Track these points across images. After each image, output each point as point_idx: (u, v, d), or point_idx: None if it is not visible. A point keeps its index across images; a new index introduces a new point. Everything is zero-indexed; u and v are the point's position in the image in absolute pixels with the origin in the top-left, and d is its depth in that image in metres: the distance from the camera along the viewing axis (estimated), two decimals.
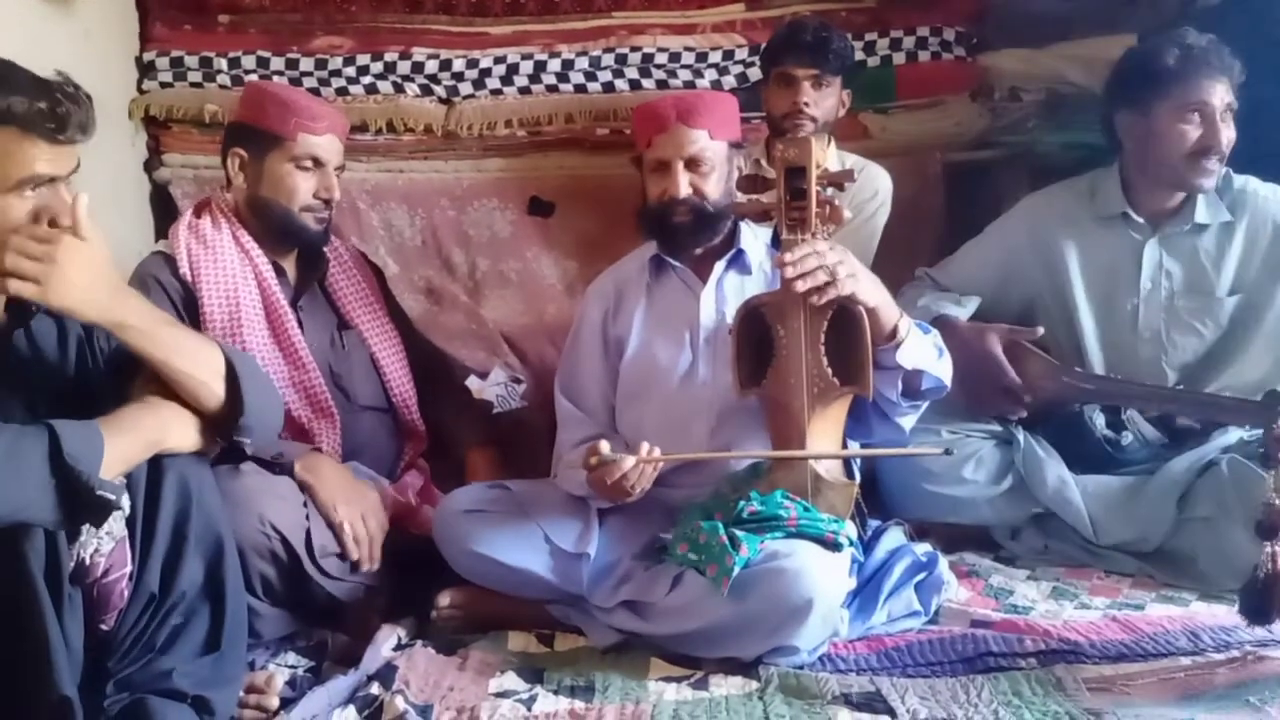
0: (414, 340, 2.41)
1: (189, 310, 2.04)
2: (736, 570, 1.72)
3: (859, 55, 2.80)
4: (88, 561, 1.41)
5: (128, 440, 1.44)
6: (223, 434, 1.57)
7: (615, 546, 1.96)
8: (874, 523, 2.05)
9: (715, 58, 2.91)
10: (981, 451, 2.29)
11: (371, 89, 2.87)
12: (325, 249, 2.24)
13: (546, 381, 2.69)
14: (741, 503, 1.82)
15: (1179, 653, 1.74)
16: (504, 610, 1.96)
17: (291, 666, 1.84)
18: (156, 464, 1.48)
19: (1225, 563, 2.00)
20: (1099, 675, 1.67)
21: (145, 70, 2.85)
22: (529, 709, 1.63)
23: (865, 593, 1.90)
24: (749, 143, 2.27)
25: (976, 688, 1.65)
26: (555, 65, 2.90)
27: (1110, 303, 2.30)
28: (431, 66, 2.88)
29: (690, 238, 2.06)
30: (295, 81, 2.82)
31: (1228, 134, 2.15)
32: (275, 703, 1.66)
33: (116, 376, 1.56)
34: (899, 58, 2.92)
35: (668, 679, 1.73)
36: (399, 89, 2.88)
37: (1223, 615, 1.88)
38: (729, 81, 2.87)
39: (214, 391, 1.54)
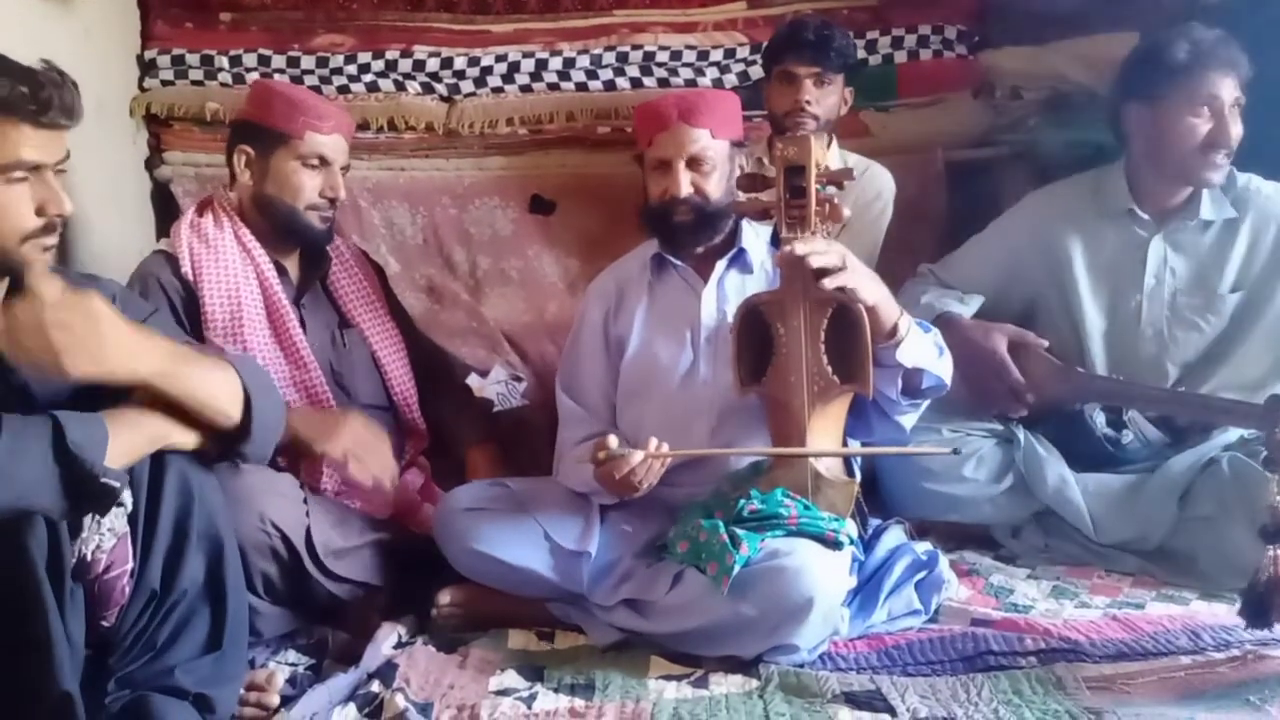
0: (415, 339, 2.41)
1: (190, 310, 2.04)
2: (737, 569, 1.72)
3: (860, 53, 2.80)
4: (89, 558, 1.41)
5: (131, 433, 1.44)
6: (224, 450, 1.58)
7: (616, 545, 1.96)
8: (874, 521, 2.05)
9: (717, 56, 2.91)
10: (982, 450, 2.29)
11: (373, 87, 2.87)
12: (327, 248, 2.24)
13: (547, 380, 2.70)
14: (742, 501, 1.82)
15: (1179, 652, 1.74)
16: (504, 608, 1.96)
17: (292, 664, 1.85)
18: (158, 461, 1.49)
19: (1226, 561, 2.00)
20: (1099, 674, 1.66)
21: (146, 68, 2.85)
22: (529, 707, 1.64)
23: (866, 591, 1.90)
24: (751, 141, 2.27)
25: (977, 686, 1.65)
26: (557, 63, 2.90)
27: (1114, 299, 2.30)
28: (433, 64, 2.88)
29: (692, 237, 2.06)
30: (296, 79, 2.82)
31: (1236, 129, 2.15)
32: (276, 700, 1.66)
33: None
34: (900, 56, 2.92)
35: (668, 677, 1.73)
36: (400, 87, 2.88)
37: (1223, 614, 1.88)
38: (730, 80, 2.87)
39: (230, 416, 1.54)
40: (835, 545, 1.77)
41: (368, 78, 2.87)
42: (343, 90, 2.86)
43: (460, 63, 2.89)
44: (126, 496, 1.44)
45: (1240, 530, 1.94)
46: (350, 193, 2.77)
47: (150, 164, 2.84)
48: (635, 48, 2.90)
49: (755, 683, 1.69)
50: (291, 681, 1.75)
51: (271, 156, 2.11)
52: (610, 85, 2.90)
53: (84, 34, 2.53)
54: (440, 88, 2.89)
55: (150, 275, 2.07)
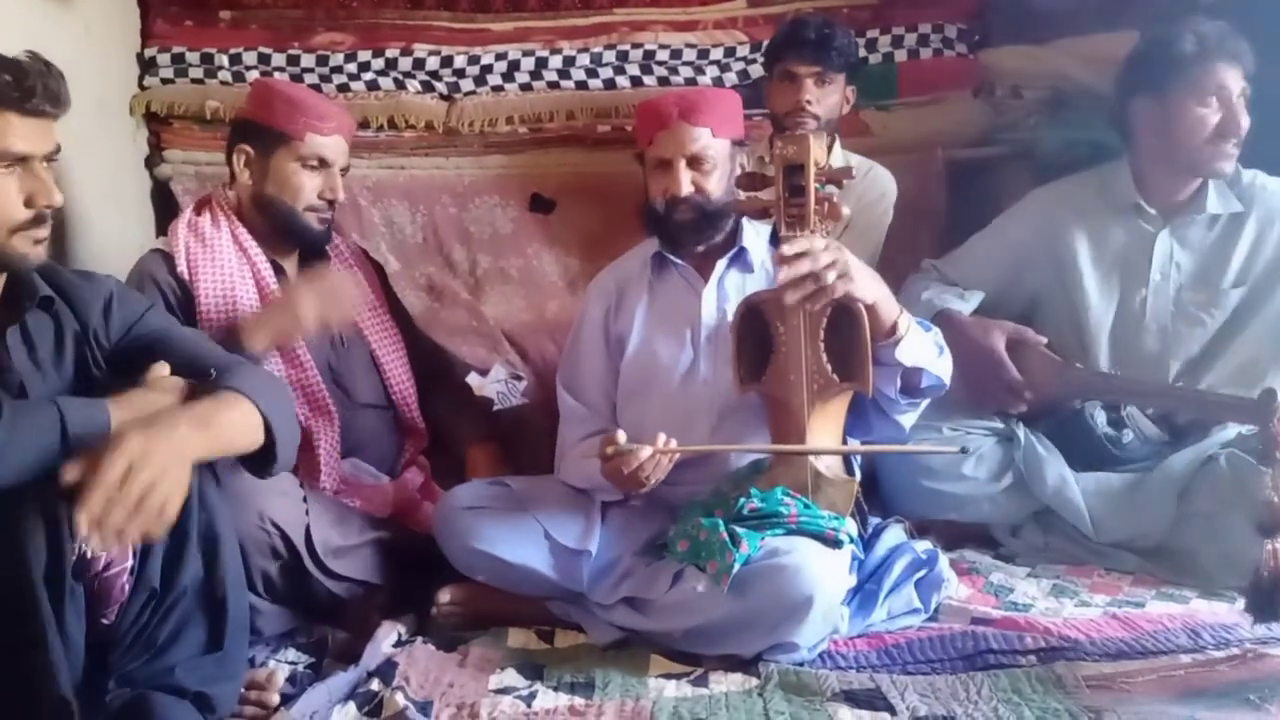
0: (415, 337, 2.40)
1: (185, 308, 2.04)
2: (737, 567, 1.72)
3: (860, 52, 2.79)
4: (89, 555, 1.41)
5: (136, 418, 1.43)
6: (248, 466, 1.58)
7: (616, 543, 1.96)
8: (874, 520, 2.05)
9: (717, 55, 2.91)
10: (982, 449, 2.28)
11: (373, 85, 2.87)
12: (327, 248, 2.24)
13: (547, 378, 2.70)
14: (742, 500, 1.82)
15: (1179, 650, 1.74)
16: (504, 607, 1.96)
17: (292, 663, 1.85)
18: None
19: (1225, 558, 2.00)
20: (1099, 673, 1.67)
21: (146, 66, 2.85)
22: (529, 705, 1.64)
23: (865, 590, 1.90)
24: (752, 140, 2.27)
25: (976, 685, 1.65)
26: (557, 62, 2.90)
27: (1119, 295, 2.29)
28: (433, 63, 2.88)
29: (692, 236, 2.06)
30: (296, 78, 2.82)
31: (1245, 118, 2.15)
32: (276, 699, 1.67)
33: (118, 376, 1.56)
34: (901, 55, 2.93)
35: (668, 676, 1.73)
36: (400, 85, 2.88)
37: (1223, 613, 1.89)
38: (730, 78, 2.87)
39: (255, 446, 1.53)
40: (835, 544, 1.77)
41: (368, 76, 2.87)
42: (342, 89, 2.86)
43: (460, 61, 2.89)
44: None
45: (1239, 527, 1.93)
46: (350, 191, 2.78)
47: (150, 162, 2.84)
48: (635, 46, 2.90)
49: (755, 681, 1.70)
50: (291, 680, 1.75)
51: (271, 157, 2.11)
52: (610, 84, 2.90)
53: (84, 32, 2.53)
54: (440, 86, 2.89)
55: (146, 273, 2.06)
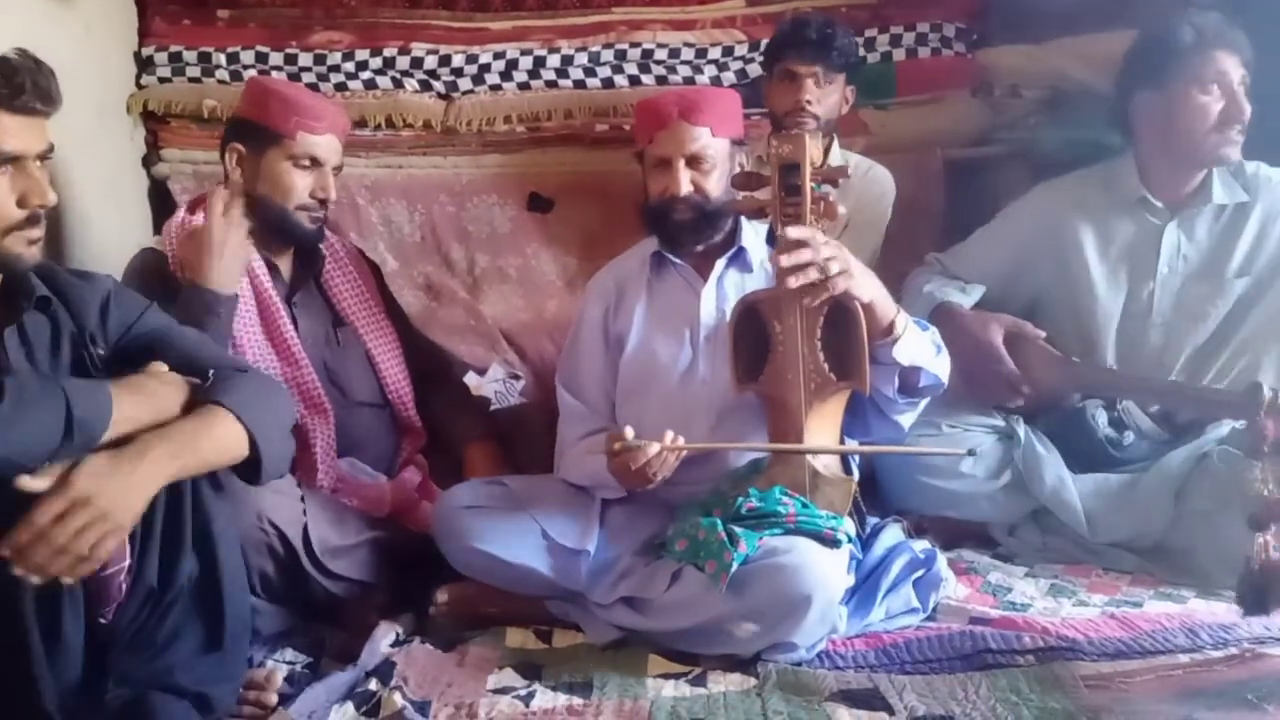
0: (412, 337, 2.40)
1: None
2: (735, 567, 1.72)
3: (859, 51, 2.79)
4: None
5: (137, 401, 1.44)
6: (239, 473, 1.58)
7: (614, 543, 1.96)
8: (872, 519, 2.05)
9: (715, 54, 2.90)
10: (982, 446, 2.28)
11: (370, 84, 2.87)
12: (321, 246, 2.24)
13: (545, 378, 2.70)
14: (740, 499, 1.82)
15: (1177, 650, 1.74)
16: (502, 606, 1.96)
17: (290, 663, 1.85)
18: None
19: (1223, 556, 1.99)
20: (1097, 672, 1.66)
21: (144, 65, 2.84)
22: (527, 705, 1.64)
23: (863, 589, 1.90)
24: (750, 139, 2.27)
25: (974, 685, 1.65)
26: (555, 61, 2.90)
27: (1127, 289, 2.29)
28: (431, 62, 2.88)
29: (691, 235, 2.06)
30: (294, 77, 2.82)
31: (1247, 105, 2.15)
32: (274, 699, 1.67)
33: (116, 376, 1.55)
34: (899, 54, 2.92)
35: (666, 675, 1.73)
36: (398, 84, 2.88)
37: (1221, 612, 1.88)
38: (729, 78, 2.87)
39: (242, 457, 1.53)
40: (833, 543, 1.77)
41: (365, 75, 2.87)
42: (340, 88, 2.85)
43: (458, 60, 2.88)
44: None
45: (1235, 524, 1.93)
46: (348, 190, 2.80)
47: (148, 161, 2.84)
48: (633, 45, 2.90)
49: (753, 681, 1.70)
50: (289, 680, 1.75)
51: (263, 155, 2.11)
52: (608, 83, 2.90)
53: (82, 31, 2.52)
54: (438, 85, 2.89)
55: (139, 273, 2.06)
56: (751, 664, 1.74)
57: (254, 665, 1.77)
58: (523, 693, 1.67)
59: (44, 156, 1.50)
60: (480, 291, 2.89)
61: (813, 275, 1.74)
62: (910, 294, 2.37)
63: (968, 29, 2.94)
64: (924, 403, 1.97)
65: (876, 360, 1.83)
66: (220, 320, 1.94)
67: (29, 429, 1.31)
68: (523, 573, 1.93)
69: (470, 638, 1.89)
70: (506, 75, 2.89)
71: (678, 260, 2.11)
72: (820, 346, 1.85)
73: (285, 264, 2.21)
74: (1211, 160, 2.21)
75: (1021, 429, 2.29)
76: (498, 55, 2.89)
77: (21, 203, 1.46)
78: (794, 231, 1.75)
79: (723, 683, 1.70)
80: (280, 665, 1.81)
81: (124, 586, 1.46)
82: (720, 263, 2.08)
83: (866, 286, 1.78)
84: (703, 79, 2.88)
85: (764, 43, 2.71)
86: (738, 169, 2.06)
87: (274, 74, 2.82)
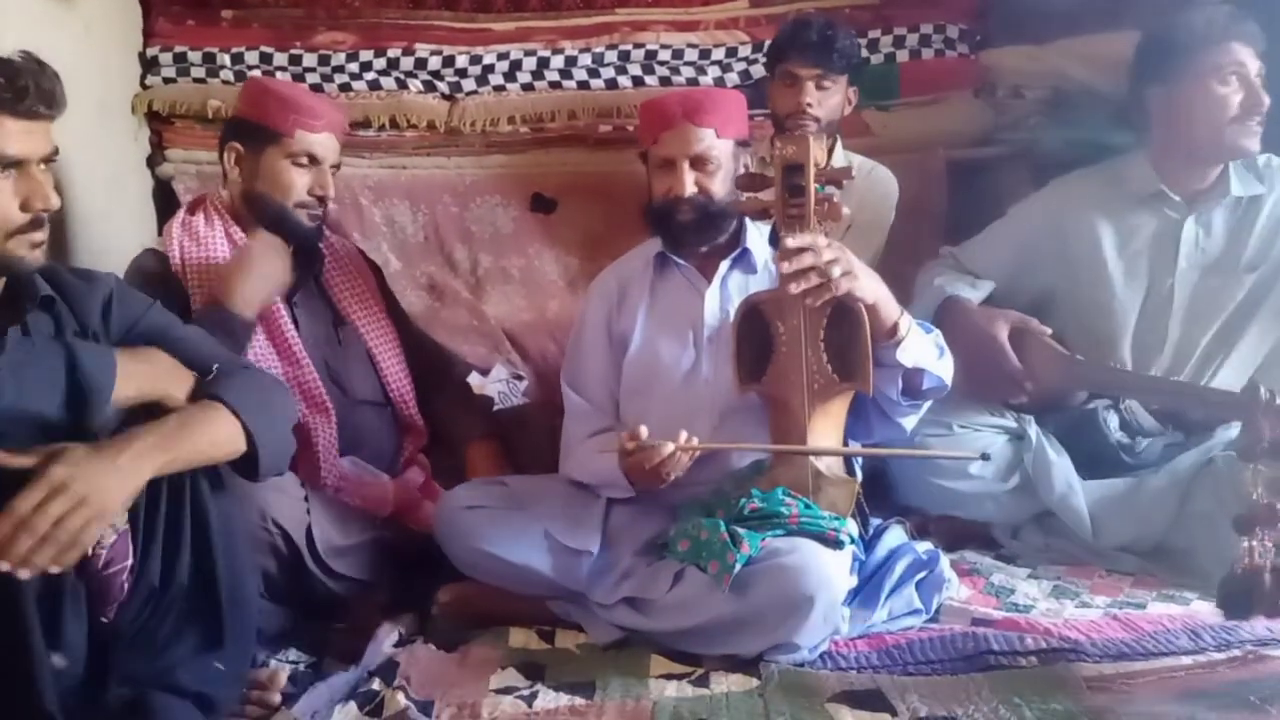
0: (413, 336, 2.41)
1: (180, 308, 2.04)
2: (738, 567, 1.72)
3: (862, 52, 2.79)
4: (89, 552, 1.41)
5: (141, 370, 1.45)
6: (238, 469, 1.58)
7: (616, 543, 1.96)
8: (875, 521, 2.05)
9: (718, 55, 2.90)
10: (991, 448, 2.27)
11: (374, 85, 2.87)
12: (320, 245, 2.24)
13: (548, 378, 2.70)
14: (743, 500, 1.82)
15: (1180, 651, 1.74)
16: (505, 606, 1.96)
17: (292, 662, 1.85)
18: None
19: (1223, 558, 1.98)
20: (1099, 674, 1.66)
21: (148, 65, 2.85)
22: (529, 705, 1.64)
23: (866, 590, 1.90)
24: (754, 140, 2.27)
25: (977, 686, 1.65)
26: (558, 62, 2.90)
27: (1146, 285, 2.27)
28: (435, 62, 2.88)
29: (695, 236, 2.06)
30: (298, 77, 2.83)
31: (1265, 96, 2.13)
32: (277, 699, 1.67)
33: None
34: (902, 55, 2.93)
35: (668, 676, 1.73)
36: (402, 85, 2.88)
37: None
38: (732, 79, 2.87)
39: (239, 452, 1.54)
40: (836, 544, 1.77)
41: (369, 76, 2.87)
42: (344, 88, 2.86)
43: (462, 61, 2.89)
44: None
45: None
46: (352, 191, 2.80)
47: (152, 161, 2.84)
48: (637, 46, 2.90)
49: (756, 681, 1.69)
50: (292, 679, 1.75)
51: (262, 154, 2.11)
52: (612, 84, 2.90)
53: (85, 31, 2.53)
54: (442, 86, 2.89)
55: (140, 273, 2.06)
56: (754, 665, 1.74)
57: (257, 665, 1.77)
58: (525, 693, 1.67)
59: (48, 160, 1.50)
60: (483, 292, 2.89)
61: (815, 279, 1.74)
62: (921, 287, 2.37)
63: (970, 30, 2.94)
64: (926, 405, 1.96)
65: (880, 362, 1.83)
66: (234, 343, 1.91)
67: (34, 379, 1.31)
68: (525, 573, 1.93)
69: (472, 638, 1.89)
70: (510, 76, 2.89)
71: (681, 261, 2.11)
72: (824, 348, 1.85)
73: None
74: (1231, 152, 2.19)
75: (1033, 430, 2.28)
76: (501, 56, 2.89)
77: (25, 206, 1.46)
78: (793, 241, 1.74)
79: (725, 683, 1.70)
80: (283, 665, 1.81)
81: (126, 586, 1.46)
82: (724, 264, 2.08)
83: (870, 288, 1.78)
84: (706, 80, 2.88)
85: (767, 44, 2.71)
86: (742, 170, 2.06)
87: (278, 74, 2.82)
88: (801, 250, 1.73)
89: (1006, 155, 2.91)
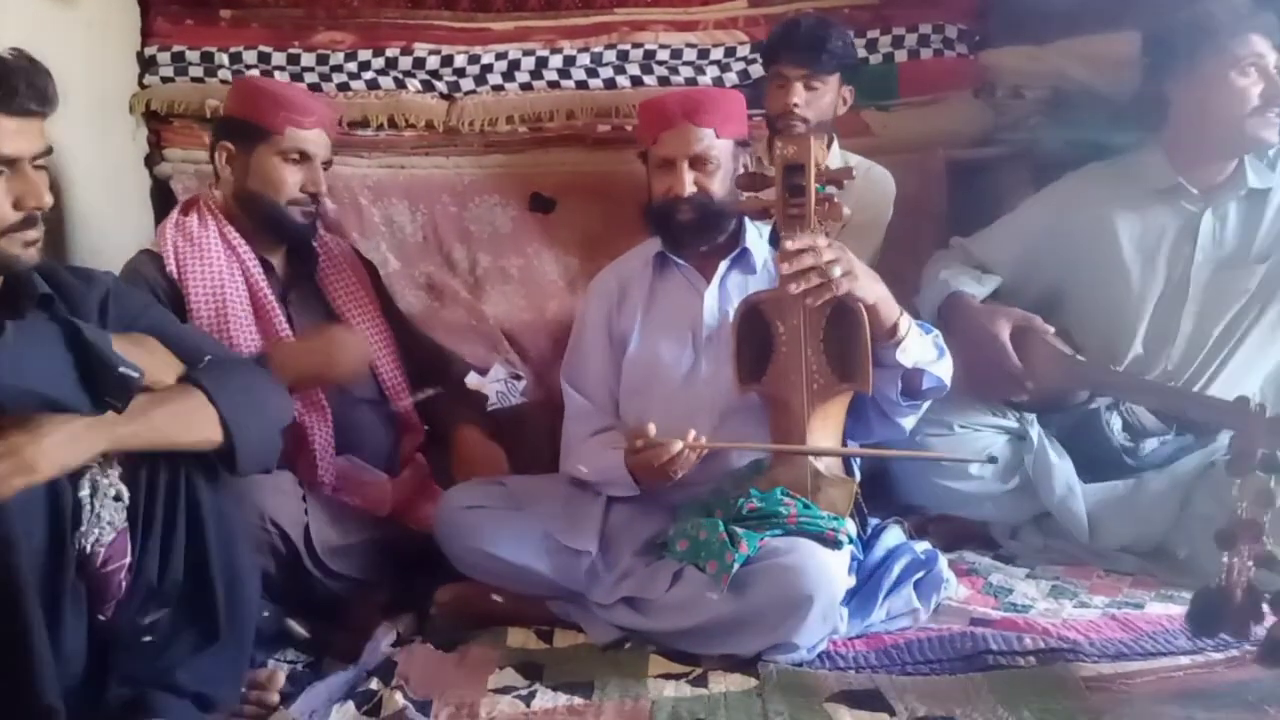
0: (409, 335, 2.41)
1: (176, 308, 2.04)
2: (736, 567, 1.72)
3: (861, 52, 2.79)
4: (88, 550, 1.42)
5: (136, 352, 1.45)
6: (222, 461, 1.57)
7: (615, 543, 1.96)
8: (874, 521, 2.05)
9: (717, 54, 2.90)
10: (992, 449, 2.27)
11: (373, 84, 2.87)
12: (314, 243, 2.24)
13: (547, 378, 2.70)
14: (741, 500, 1.82)
15: (1178, 651, 1.74)
16: (503, 606, 1.96)
17: (291, 662, 1.85)
18: (154, 460, 1.49)
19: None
20: (1098, 674, 1.66)
21: (146, 65, 2.85)
22: (528, 705, 1.64)
23: (865, 590, 1.89)
24: (753, 140, 2.27)
25: (975, 686, 1.65)
26: (557, 61, 2.90)
27: (1163, 278, 2.26)
28: (433, 62, 2.88)
29: (695, 236, 2.06)
30: (296, 77, 2.82)
31: None
32: (276, 699, 1.67)
33: None
34: (901, 55, 2.92)
35: (667, 676, 1.73)
36: (400, 84, 2.88)
37: None
38: (731, 79, 2.87)
39: (210, 442, 1.53)
40: (834, 544, 1.77)
41: (368, 75, 2.87)
42: (343, 88, 2.85)
43: (461, 60, 2.88)
44: (125, 491, 1.45)
45: None
46: (351, 190, 2.80)
47: (150, 161, 2.84)
48: (636, 46, 2.90)
49: (754, 681, 1.69)
50: (290, 679, 1.75)
51: (253, 152, 2.12)
52: (611, 83, 2.90)
53: (84, 30, 2.52)
54: (441, 85, 2.89)
55: (136, 274, 2.06)
56: (752, 664, 1.74)
57: (255, 665, 1.77)
58: (523, 692, 1.67)
59: (41, 158, 1.50)
60: (482, 291, 2.89)
61: (815, 280, 1.74)
62: (928, 279, 2.36)
63: (970, 30, 2.94)
64: (926, 405, 1.96)
65: (880, 362, 1.83)
66: None
67: (33, 358, 1.31)
68: (524, 573, 1.93)
69: (471, 637, 1.89)
70: (509, 76, 2.89)
71: (681, 261, 2.11)
72: (823, 348, 1.85)
73: (279, 262, 2.21)
74: (1251, 144, 2.18)
75: (1035, 432, 2.27)
76: (500, 56, 2.89)
77: (18, 205, 1.45)
78: (793, 243, 1.74)
79: (724, 683, 1.70)
80: (281, 665, 1.82)
81: (124, 584, 1.46)
82: (723, 264, 2.08)
83: (870, 288, 1.78)
84: (705, 80, 2.88)
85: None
86: (742, 170, 2.06)
87: (276, 74, 2.82)
88: (801, 252, 1.73)
89: (1006, 155, 2.91)
